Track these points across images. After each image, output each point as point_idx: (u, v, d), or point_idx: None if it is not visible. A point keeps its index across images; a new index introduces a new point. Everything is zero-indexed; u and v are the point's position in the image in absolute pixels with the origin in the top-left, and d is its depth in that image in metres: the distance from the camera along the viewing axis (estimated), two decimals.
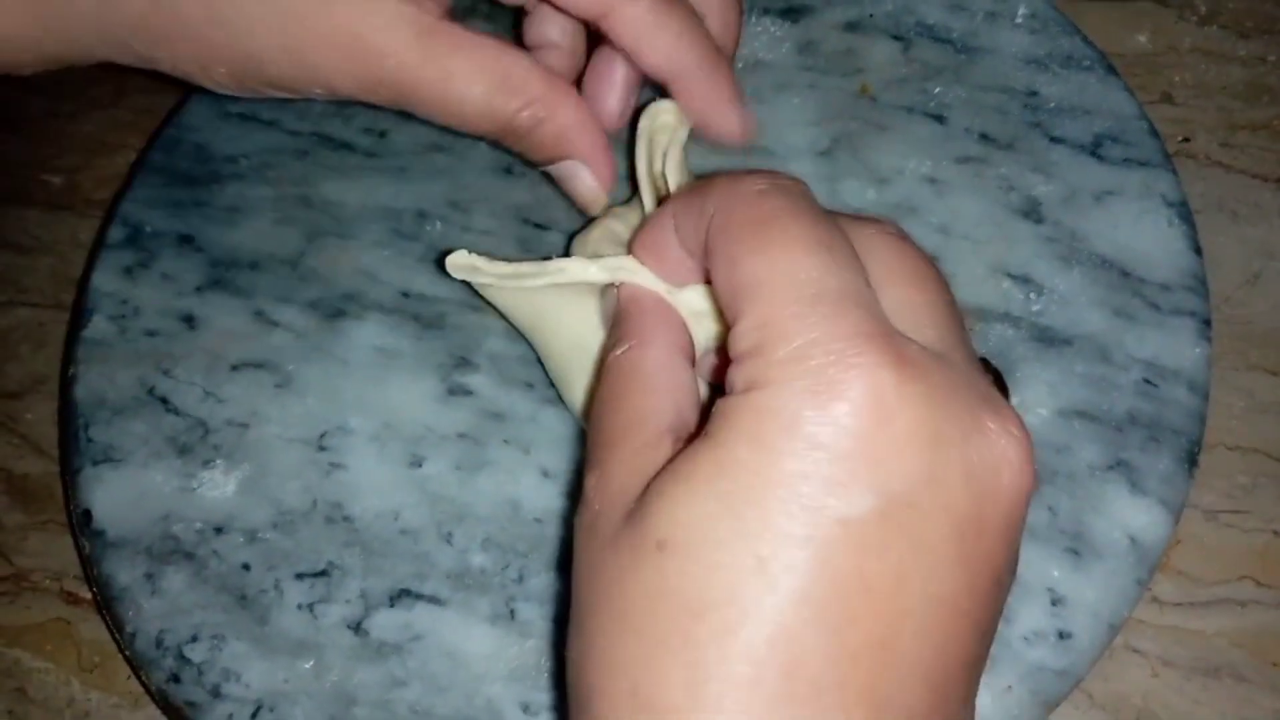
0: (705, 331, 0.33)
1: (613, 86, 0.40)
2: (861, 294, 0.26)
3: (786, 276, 0.25)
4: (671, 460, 0.26)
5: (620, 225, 0.38)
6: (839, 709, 0.23)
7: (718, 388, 0.33)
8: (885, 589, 0.24)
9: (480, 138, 0.38)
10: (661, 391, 0.29)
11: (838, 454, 0.23)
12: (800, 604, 0.23)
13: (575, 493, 0.39)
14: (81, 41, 0.36)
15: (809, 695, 0.23)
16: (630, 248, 0.34)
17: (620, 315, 0.32)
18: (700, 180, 0.31)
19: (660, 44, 0.36)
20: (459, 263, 0.35)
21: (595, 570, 0.26)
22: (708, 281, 0.32)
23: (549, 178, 0.40)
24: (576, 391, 0.37)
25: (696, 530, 0.24)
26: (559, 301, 0.36)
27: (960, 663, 0.25)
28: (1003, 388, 0.30)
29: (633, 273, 0.33)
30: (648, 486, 0.26)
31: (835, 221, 0.27)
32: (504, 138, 0.37)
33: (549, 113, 0.37)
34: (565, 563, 0.38)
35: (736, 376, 0.25)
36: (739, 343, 0.26)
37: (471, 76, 0.35)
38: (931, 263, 0.29)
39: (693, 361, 0.32)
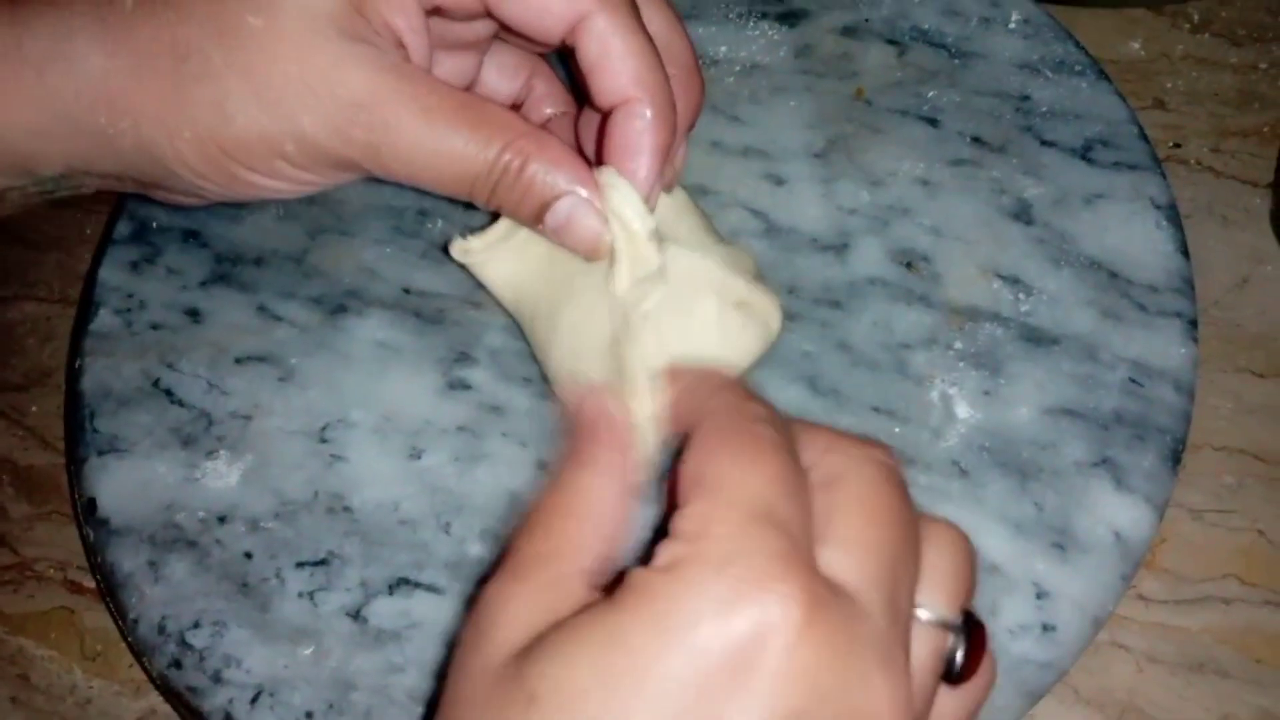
0: None
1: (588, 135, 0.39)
2: (804, 536, 0.26)
3: (748, 489, 0.26)
4: (579, 612, 0.26)
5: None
6: None
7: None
8: None
9: (456, 199, 0.36)
10: (593, 527, 0.28)
11: (722, 667, 0.24)
12: None
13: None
14: (40, 129, 0.35)
15: None
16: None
17: (586, 430, 0.31)
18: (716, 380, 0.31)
19: (629, 63, 0.34)
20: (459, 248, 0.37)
21: (465, 695, 0.26)
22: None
23: None
24: (554, 364, 0.38)
25: (568, 697, 0.24)
26: (574, 281, 0.37)
27: None
28: (979, 640, 0.28)
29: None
30: (542, 638, 0.25)
31: (803, 473, 0.28)
32: (487, 186, 0.35)
33: (536, 147, 0.34)
34: None
35: (663, 551, 0.26)
36: (679, 522, 0.26)
37: (451, 115, 0.34)
38: (903, 498, 0.28)
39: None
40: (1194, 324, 0.42)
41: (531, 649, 0.25)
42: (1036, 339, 0.42)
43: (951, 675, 0.28)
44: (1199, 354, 0.42)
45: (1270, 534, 0.44)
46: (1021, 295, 0.42)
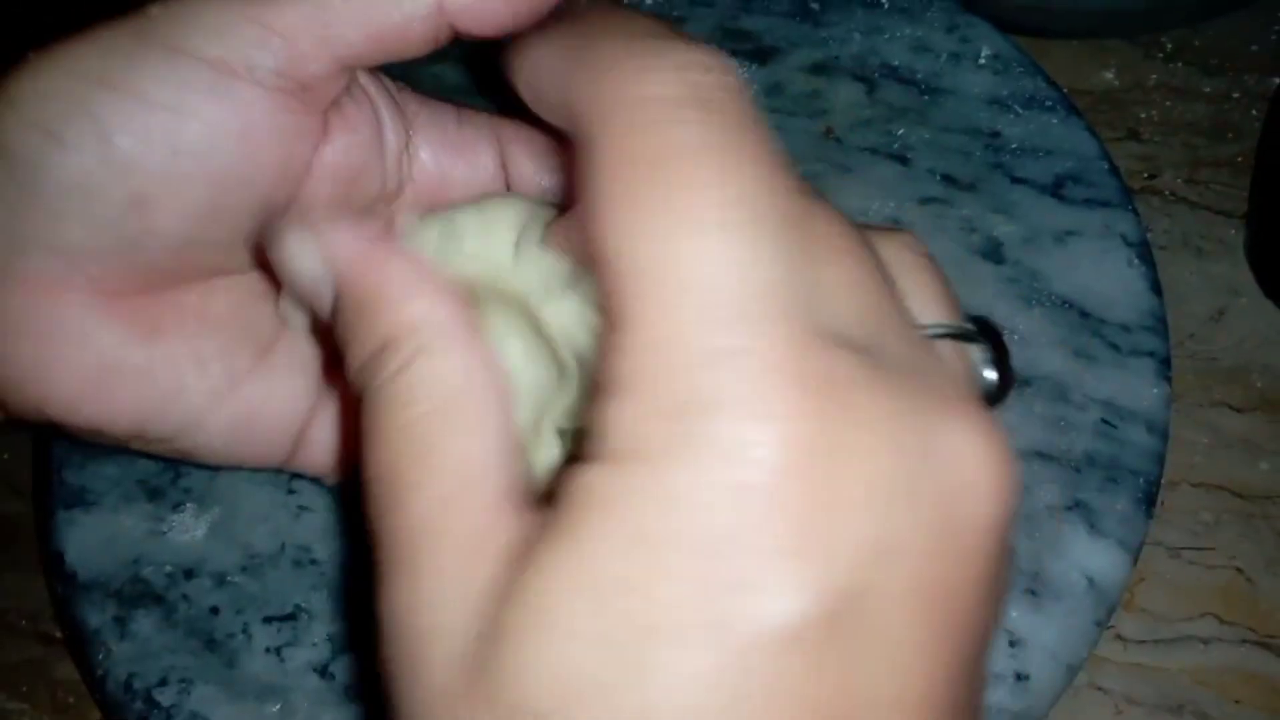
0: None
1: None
2: (796, 290, 0.19)
3: (702, 273, 0.18)
4: (522, 567, 0.18)
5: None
6: None
7: None
8: (832, 711, 0.18)
9: None
10: (486, 426, 0.20)
11: (756, 548, 0.17)
12: None
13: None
14: None
15: None
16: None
17: (363, 305, 0.21)
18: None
19: None
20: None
21: None
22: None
23: None
24: None
25: (586, 691, 0.17)
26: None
27: None
28: (1002, 351, 0.22)
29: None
30: (497, 619, 0.18)
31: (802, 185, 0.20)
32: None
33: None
34: None
35: (610, 423, 0.18)
36: (619, 362, 0.18)
37: None
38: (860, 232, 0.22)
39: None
40: (1167, 363, 0.42)
41: (497, 650, 0.18)
42: None
43: (990, 393, 0.22)
44: (1171, 393, 0.41)
45: (1248, 571, 0.44)
46: None
